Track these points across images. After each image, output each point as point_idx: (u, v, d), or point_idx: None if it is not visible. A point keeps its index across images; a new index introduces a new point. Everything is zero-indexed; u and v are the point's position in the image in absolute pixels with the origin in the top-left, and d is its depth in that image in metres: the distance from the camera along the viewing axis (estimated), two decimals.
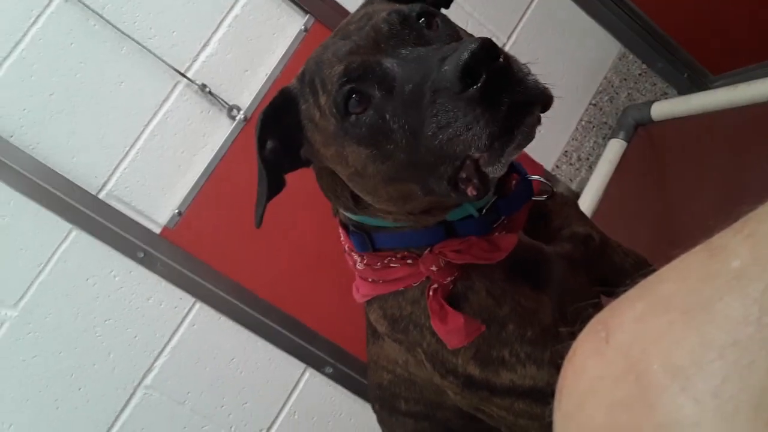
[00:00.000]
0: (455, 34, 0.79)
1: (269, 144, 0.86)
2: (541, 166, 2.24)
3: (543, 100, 0.68)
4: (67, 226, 1.74)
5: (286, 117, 0.85)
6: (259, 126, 0.83)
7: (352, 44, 0.76)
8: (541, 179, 0.95)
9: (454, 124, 0.65)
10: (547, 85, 0.68)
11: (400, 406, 1.09)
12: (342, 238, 0.97)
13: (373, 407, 1.20)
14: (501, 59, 0.63)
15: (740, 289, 0.25)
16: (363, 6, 0.88)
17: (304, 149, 0.87)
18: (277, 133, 0.86)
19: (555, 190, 0.97)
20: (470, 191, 0.71)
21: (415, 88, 0.68)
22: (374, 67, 0.72)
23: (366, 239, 0.91)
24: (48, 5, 1.73)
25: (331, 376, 1.97)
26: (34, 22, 1.72)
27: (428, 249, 0.86)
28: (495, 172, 0.69)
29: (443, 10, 0.92)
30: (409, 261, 0.88)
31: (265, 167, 0.84)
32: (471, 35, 0.81)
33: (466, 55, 0.61)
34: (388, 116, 0.72)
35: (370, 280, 0.93)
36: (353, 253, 0.94)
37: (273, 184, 0.86)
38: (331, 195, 0.93)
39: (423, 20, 0.77)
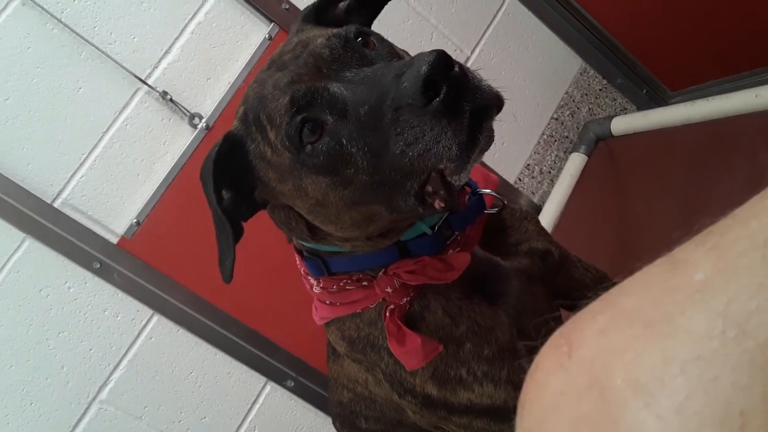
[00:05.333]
0: (393, 50, 0.80)
1: (225, 194, 0.82)
2: (496, 178, 2.26)
3: (498, 103, 0.69)
4: (21, 235, 1.69)
5: (234, 162, 0.81)
6: (210, 178, 0.79)
7: (292, 74, 0.74)
8: (493, 193, 0.95)
9: (422, 138, 0.64)
10: (498, 89, 0.69)
11: (361, 424, 1.09)
12: (297, 263, 0.96)
13: (334, 423, 1.19)
14: (456, 69, 0.63)
15: (703, 303, 0.25)
16: (294, 34, 0.86)
17: (259, 190, 0.85)
18: (229, 180, 0.82)
19: (505, 202, 0.97)
20: (437, 204, 0.72)
21: (372, 108, 0.68)
22: (322, 93, 0.71)
23: (321, 264, 0.90)
24: (4, 9, 1.69)
25: (292, 390, 1.95)
26: None
27: (383, 271, 0.86)
28: (461, 180, 0.70)
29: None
30: (364, 283, 0.87)
31: (228, 220, 0.80)
32: (405, 51, 0.82)
33: (424, 69, 0.61)
34: (344, 140, 0.71)
35: (327, 302, 0.92)
36: (309, 277, 0.93)
37: (235, 235, 0.83)
38: (285, 228, 0.92)
39: (360, 40, 0.77)
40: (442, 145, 0.64)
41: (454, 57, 0.64)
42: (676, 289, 0.27)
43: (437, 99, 0.62)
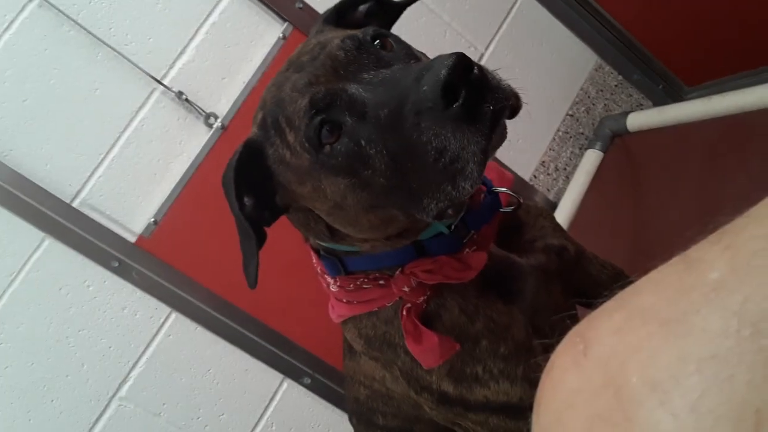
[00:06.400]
0: (410, 52, 0.79)
1: (247, 201, 0.82)
2: (511, 176, 2.25)
3: (516, 102, 0.68)
4: (40, 234, 1.71)
5: (254, 168, 0.81)
6: (232, 186, 0.79)
7: (310, 76, 0.74)
8: (508, 191, 0.94)
9: (449, 146, 0.64)
10: (516, 89, 0.69)
11: (378, 420, 1.09)
12: (314, 261, 0.96)
13: (351, 420, 1.20)
14: (476, 71, 0.63)
15: (718, 302, 0.25)
16: (313, 36, 0.86)
17: (279, 195, 0.84)
18: (250, 186, 0.81)
19: (521, 200, 0.97)
20: (450, 211, 0.72)
21: (392, 111, 0.67)
22: (340, 94, 0.71)
23: (338, 263, 0.91)
24: (21, 11, 1.71)
25: (309, 387, 1.95)
26: (7, 27, 1.70)
27: (399, 270, 0.86)
28: (474, 185, 0.69)
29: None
30: (381, 282, 0.87)
31: (251, 226, 0.80)
32: (422, 53, 0.82)
33: (444, 72, 0.61)
34: (363, 142, 0.71)
35: (344, 300, 0.92)
36: (326, 276, 0.93)
37: (259, 241, 0.83)
38: (303, 229, 0.92)
39: (378, 42, 0.76)
40: (467, 152, 0.64)
41: (468, 55, 0.64)
42: (691, 288, 0.27)
43: (457, 103, 0.62)
